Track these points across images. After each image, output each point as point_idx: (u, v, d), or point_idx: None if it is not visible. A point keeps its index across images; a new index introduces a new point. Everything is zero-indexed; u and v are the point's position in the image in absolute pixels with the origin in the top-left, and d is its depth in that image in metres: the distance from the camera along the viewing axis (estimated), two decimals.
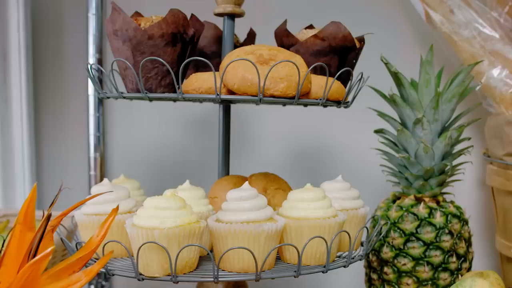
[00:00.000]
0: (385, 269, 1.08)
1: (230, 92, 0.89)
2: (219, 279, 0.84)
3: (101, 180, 1.31)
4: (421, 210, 1.06)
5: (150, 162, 1.41)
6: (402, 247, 1.06)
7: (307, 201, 0.91)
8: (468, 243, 1.10)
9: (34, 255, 0.74)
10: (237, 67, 0.88)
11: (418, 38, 1.40)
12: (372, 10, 1.38)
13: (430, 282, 1.05)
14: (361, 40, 1.02)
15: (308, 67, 0.92)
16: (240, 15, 1.01)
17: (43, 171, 1.39)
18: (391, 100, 1.09)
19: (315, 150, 1.41)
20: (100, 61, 1.34)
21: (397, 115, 1.11)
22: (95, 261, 0.84)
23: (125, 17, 0.91)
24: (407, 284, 1.06)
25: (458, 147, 1.10)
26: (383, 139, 1.13)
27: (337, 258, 0.95)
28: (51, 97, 1.38)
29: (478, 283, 0.87)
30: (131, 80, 0.95)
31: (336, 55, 0.97)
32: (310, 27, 1.04)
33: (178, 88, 0.90)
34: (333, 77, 0.93)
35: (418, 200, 1.08)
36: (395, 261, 1.06)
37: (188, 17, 0.95)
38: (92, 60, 1.33)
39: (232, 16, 1.01)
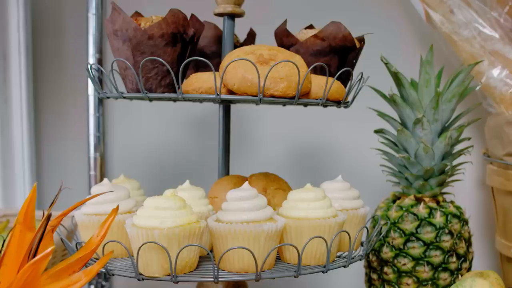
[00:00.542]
0: (385, 269, 1.08)
1: (230, 92, 0.89)
2: (219, 279, 0.84)
3: (101, 180, 1.32)
4: (421, 210, 1.07)
5: (150, 162, 1.41)
6: (402, 247, 1.06)
7: (307, 201, 0.91)
8: (468, 243, 1.10)
9: (34, 255, 0.74)
10: (237, 67, 0.88)
11: (418, 38, 1.40)
12: (372, 10, 1.39)
13: (430, 282, 1.05)
14: (361, 40, 1.02)
15: (308, 67, 0.92)
16: (240, 15, 1.01)
17: (43, 171, 1.39)
18: (391, 100, 1.09)
19: (315, 150, 1.42)
20: (100, 61, 1.34)
21: (397, 115, 1.11)
22: (95, 261, 0.84)
23: (125, 17, 0.91)
24: (407, 284, 1.06)
25: (458, 147, 1.10)
26: (383, 139, 1.13)
27: (337, 258, 0.96)
28: (51, 97, 1.38)
29: (478, 283, 0.87)
30: (131, 80, 0.95)
31: (336, 55, 0.98)
32: (310, 27, 1.05)
33: (178, 88, 0.91)
34: (333, 77, 0.93)
35: (418, 200, 1.09)
36: (395, 261, 1.06)
37: (188, 17, 0.95)
38: (92, 60, 1.33)
39: (232, 16, 1.02)
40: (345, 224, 0.96)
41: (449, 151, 1.08)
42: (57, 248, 1.07)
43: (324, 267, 0.90)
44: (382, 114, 1.13)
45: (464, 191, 1.43)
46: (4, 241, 0.77)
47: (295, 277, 0.87)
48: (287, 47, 0.99)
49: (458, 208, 1.10)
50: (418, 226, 1.06)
